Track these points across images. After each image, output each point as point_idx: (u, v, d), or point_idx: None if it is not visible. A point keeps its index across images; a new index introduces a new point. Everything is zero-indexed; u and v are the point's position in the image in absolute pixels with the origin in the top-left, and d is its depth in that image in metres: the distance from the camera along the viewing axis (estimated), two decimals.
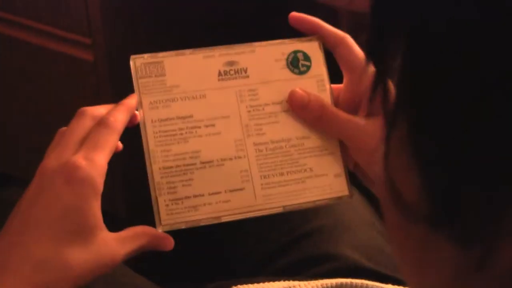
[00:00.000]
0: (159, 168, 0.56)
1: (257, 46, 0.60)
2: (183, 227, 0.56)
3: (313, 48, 0.61)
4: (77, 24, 1.06)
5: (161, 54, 0.59)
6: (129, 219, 0.56)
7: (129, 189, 1.19)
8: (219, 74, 0.59)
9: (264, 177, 0.58)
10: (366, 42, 0.30)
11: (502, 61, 0.24)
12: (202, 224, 0.56)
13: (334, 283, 0.63)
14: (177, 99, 0.58)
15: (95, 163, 0.52)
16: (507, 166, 0.25)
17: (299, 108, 0.59)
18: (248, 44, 0.60)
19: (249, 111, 0.59)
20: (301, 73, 0.61)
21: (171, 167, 0.56)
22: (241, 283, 0.65)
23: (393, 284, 0.67)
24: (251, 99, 0.59)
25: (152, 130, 0.57)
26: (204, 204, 0.56)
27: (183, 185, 0.56)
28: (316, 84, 0.61)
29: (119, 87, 1.04)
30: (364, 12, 0.30)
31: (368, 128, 0.56)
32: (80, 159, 0.51)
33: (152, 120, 0.57)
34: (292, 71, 0.60)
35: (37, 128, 1.19)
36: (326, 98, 0.60)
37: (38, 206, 0.51)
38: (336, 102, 0.61)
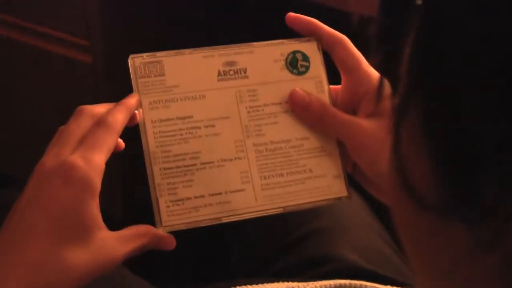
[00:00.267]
0: (160, 169, 0.56)
1: (256, 47, 0.60)
2: (184, 228, 0.56)
3: (311, 49, 0.61)
4: (76, 26, 1.06)
5: (160, 53, 0.59)
6: (128, 220, 0.56)
7: (127, 189, 1.19)
8: (219, 74, 0.59)
9: (264, 178, 0.58)
10: (377, 26, 0.30)
11: None
12: (202, 225, 0.56)
13: (333, 284, 0.63)
14: (177, 99, 0.58)
15: (93, 162, 0.51)
16: None
17: (300, 108, 0.59)
18: (247, 44, 0.60)
19: (248, 112, 0.59)
20: (300, 73, 0.61)
21: (172, 168, 0.56)
22: (240, 284, 0.65)
23: (392, 285, 0.67)
24: (251, 100, 0.59)
25: (152, 131, 0.57)
26: (205, 205, 0.56)
27: (183, 186, 0.56)
28: (314, 85, 0.61)
29: (117, 89, 1.04)
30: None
31: (368, 128, 0.57)
32: (77, 159, 0.51)
33: (152, 121, 0.57)
34: (291, 72, 0.61)
35: (35, 129, 1.19)
36: (325, 99, 0.60)
37: (35, 206, 0.51)
38: (334, 103, 0.61)
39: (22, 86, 1.19)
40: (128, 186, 1.18)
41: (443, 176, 0.28)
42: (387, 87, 0.33)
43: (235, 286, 0.65)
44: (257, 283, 0.66)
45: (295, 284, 0.64)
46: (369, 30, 0.31)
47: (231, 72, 0.59)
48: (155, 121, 0.57)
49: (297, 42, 0.61)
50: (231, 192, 0.57)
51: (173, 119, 0.57)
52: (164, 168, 0.56)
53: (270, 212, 0.58)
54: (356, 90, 0.59)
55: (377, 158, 0.56)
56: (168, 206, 0.56)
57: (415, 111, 0.29)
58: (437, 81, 0.27)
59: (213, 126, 0.58)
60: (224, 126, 0.58)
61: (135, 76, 0.58)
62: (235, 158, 0.58)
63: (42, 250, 0.49)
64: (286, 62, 0.61)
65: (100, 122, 0.53)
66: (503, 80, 0.25)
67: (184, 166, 0.57)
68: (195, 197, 0.56)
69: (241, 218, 0.57)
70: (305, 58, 0.61)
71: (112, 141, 0.53)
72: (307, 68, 0.61)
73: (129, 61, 0.58)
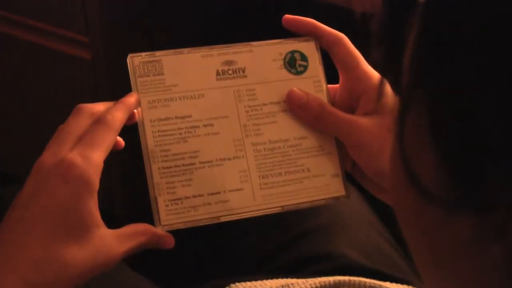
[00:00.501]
0: (159, 168, 0.56)
1: (255, 46, 0.61)
2: (182, 227, 0.56)
3: (310, 49, 0.61)
4: (75, 22, 1.06)
5: (158, 52, 0.59)
6: (127, 219, 0.56)
7: (126, 188, 1.19)
8: (217, 73, 0.59)
9: (263, 177, 0.58)
10: (379, 23, 0.31)
11: None
12: (201, 224, 0.57)
13: (332, 281, 0.63)
14: (176, 99, 0.58)
15: (91, 160, 0.51)
16: None
17: (297, 108, 0.59)
18: (246, 43, 0.61)
19: (247, 111, 0.59)
20: (298, 73, 0.61)
21: (170, 167, 0.56)
22: (240, 281, 0.66)
23: (391, 282, 0.67)
24: (249, 99, 0.59)
25: (151, 130, 0.57)
26: (204, 204, 0.56)
27: (182, 185, 0.56)
28: (313, 84, 0.61)
29: (116, 85, 1.04)
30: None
31: (366, 126, 0.57)
32: (75, 157, 0.51)
33: (151, 120, 0.57)
34: (290, 71, 0.61)
35: (34, 126, 1.19)
36: (323, 98, 0.60)
37: (34, 204, 0.51)
38: (333, 103, 0.61)
39: (20, 83, 1.19)
40: (128, 185, 1.18)
41: (448, 168, 0.28)
42: (387, 85, 0.33)
43: (234, 283, 0.66)
44: (256, 280, 0.66)
45: (294, 280, 0.64)
46: (371, 27, 0.31)
47: (230, 72, 0.59)
48: (154, 120, 0.57)
49: (296, 41, 0.61)
50: (229, 191, 0.57)
51: (172, 118, 0.57)
52: (163, 167, 0.56)
53: (269, 211, 0.58)
54: (355, 88, 0.60)
55: (376, 156, 0.56)
56: (167, 205, 0.56)
57: (418, 106, 0.29)
58: (437, 80, 0.28)
59: (212, 125, 0.58)
60: (222, 125, 0.58)
61: (134, 75, 0.58)
62: (234, 157, 0.58)
63: (41, 247, 0.49)
64: (284, 62, 0.61)
65: (99, 120, 0.53)
66: (505, 75, 0.25)
67: (183, 165, 0.57)
68: (194, 196, 0.56)
69: (240, 217, 0.58)
70: (304, 57, 0.61)
71: (110, 139, 0.53)
72: (306, 67, 0.61)
73: (128, 60, 0.58)
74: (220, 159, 0.58)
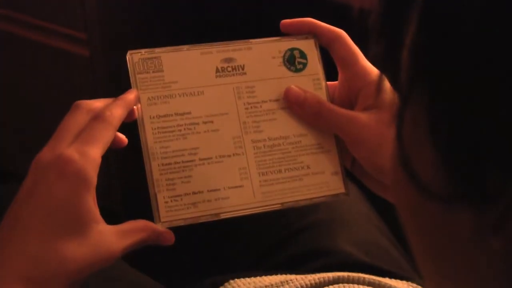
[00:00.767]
0: (158, 165, 0.56)
1: (254, 43, 0.61)
2: (182, 224, 0.56)
3: (309, 46, 0.61)
4: (73, 19, 1.06)
5: (158, 49, 0.59)
6: (127, 215, 0.56)
7: (126, 184, 1.19)
8: (217, 70, 0.59)
9: (262, 174, 0.58)
10: (378, 15, 0.31)
11: None
12: (201, 221, 0.57)
13: (331, 277, 0.64)
14: (175, 96, 0.58)
15: (88, 156, 0.51)
16: None
17: (295, 105, 0.59)
18: (245, 41, 0.61)
19: (246, 108, 0.59)
20: (297, 70, 0.61)
21: (170, 163, 0.57)
22: (239, 277, 0.66)
23: (390, 278, 0.68)
24: (249, 96, 0.59)
25: (151, 127, 0.57)
26: (203, 201, 0.57)
27: (182, 182, 0.56)
28: (312, 82, 0.61)
29: (115, 82, 1.04)
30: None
31: (366, 122, 0.57)
32: (73, 153, 0.51)
33: (150, 116, 0.57)
34: (289, 69, 0.61)
35: (33, 123, 1.19)
36: (322, 95, 0.60)
37: (32, 200, 0.51)
38: (332, 100, 0.61)
39: (19, 79, 1.19)
40: (128, 182, 1.19)
41: (447, 164, 0.28)
42: (386, 81, 0.33)
43: (233, 279, 0.66)
44: (255, 276, 0.66)
45: (293, 277, 0.64)
46: (369, 24, 0.31)
47: (229, 69, 0.60)
48: (154, 117, 0.57)
49: (295, 39, 0.61)
50: (229, 188, 0.57)
51: (171, 115, 0.57)
52: (163, 164, 0.56)
53: (268, 209, 0.58)
54: (354, 84, 0.60)
55: (375, 151, 0.56)
56: (166, 202, 0.56)
57: (417, 102, 0.29)
58: (436, 76, 0.28)
59: (211, 122, 0.58)
60: (222, 122, 0.58)
61: (134, 72, 0.58)
62: (234, 154, 0.58)
63: (39, 243, 0.50)
64: (283, 59, 0.61)
65: (98, 117, 0.53)
66: (504, 71, 0.25)
67: (183, 162, 0.57)
68: (194, 193, 0.56)
69: (239, 215, 0.58)
70: (303, 55, 0.61)
71: (109, 135, 0.53)
72: (305, 65, 0.61)
73: (127, 57, 0.58)
74: (220, 156, 0.58)
